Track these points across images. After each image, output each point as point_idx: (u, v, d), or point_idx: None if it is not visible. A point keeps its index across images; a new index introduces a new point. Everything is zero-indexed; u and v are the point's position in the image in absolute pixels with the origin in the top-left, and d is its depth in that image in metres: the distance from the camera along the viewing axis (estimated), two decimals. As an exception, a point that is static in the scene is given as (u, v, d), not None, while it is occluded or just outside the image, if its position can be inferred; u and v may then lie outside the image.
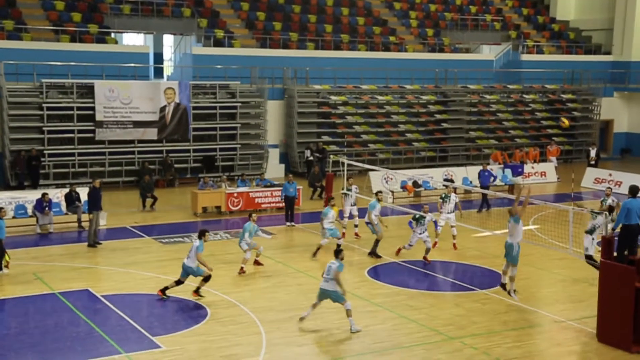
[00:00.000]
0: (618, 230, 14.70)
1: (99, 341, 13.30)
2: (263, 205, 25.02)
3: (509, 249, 15.92)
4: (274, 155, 32.07)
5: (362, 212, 20.79)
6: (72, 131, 28.34)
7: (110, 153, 28.87)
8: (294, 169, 31.75)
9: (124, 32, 35.98)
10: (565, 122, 25.16)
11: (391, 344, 13.42)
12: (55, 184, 26.99)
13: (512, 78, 40.08)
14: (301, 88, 33.27)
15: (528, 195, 16.01)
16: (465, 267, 18.58)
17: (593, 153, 33.34)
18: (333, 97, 33.91)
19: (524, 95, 38.83)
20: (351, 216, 21.65)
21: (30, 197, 22.60)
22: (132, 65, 30.73)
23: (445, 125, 36.03)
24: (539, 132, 38.32)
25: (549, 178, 32.11)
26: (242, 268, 17.44)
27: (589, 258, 17.10)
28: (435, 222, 20.15)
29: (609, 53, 43.10)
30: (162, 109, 29.30)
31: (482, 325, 14.34)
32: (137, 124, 28.91)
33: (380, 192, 20.40)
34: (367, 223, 19.54)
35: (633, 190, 15.05)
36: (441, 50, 39.00)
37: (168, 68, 38.88)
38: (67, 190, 23.04)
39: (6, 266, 17.49)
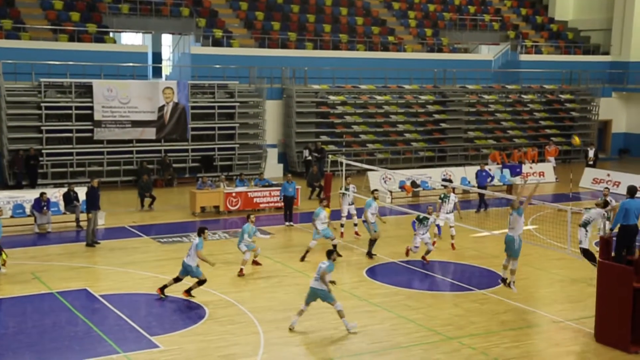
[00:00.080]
0: (616, 230, 14.72)
1: (97, 341, 13.29)
2: (261, 205, 25.02)
3: (510, 243, 16.02)
4: (272, 155, 32.07)
5: (360, 212, 20.76)
6: (70, 130, 28.32)
7: (109, 152, 28.85)
8: (293, 169, 31.75)
9: (123, 31, 35.96)
10: (577, 140, 25.41)
11: (389, 344, 13.42)
12: (53, 184, 26.98)
13: (510, 78, 40.10)
14: (300, 88, 33.26)
15: (533, 190, 16.16)
16: (464, 267, 18.58)
17: (591, 153, 33.35)
18: (332, 97, 33.91)
19: (523, 96, 38.85)
20: (349, 216, 21.65)
21: (28, 196, 22.59)
22: (131, 64, 30.72)
23: (443, 125, 36.05)
24: (537, 132, 38.35)
25: (547, 178, 32.11)
26: (241, 270, 17.39)
27: (584, 252, 17.08)
28: (438, 225, 20.10)
29: (607, 53, 43.14)
30: (161, 109, 29.29)
31: (480, 326, 14.35)
32: (136, 124, 28.90)
33: (376, 190, 20.36)
34: (363, 222, 19.56)
35: (631, 191, 15.07)
36: (440, 50, 39.01)
37: (166, 68, 38.87)
38: (65, 189, 23.02)
39: (3, 265, 17.48)
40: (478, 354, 13.01)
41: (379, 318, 14.73)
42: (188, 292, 15.57)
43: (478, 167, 26.92)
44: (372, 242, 19.18)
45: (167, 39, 40.11)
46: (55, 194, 22.91)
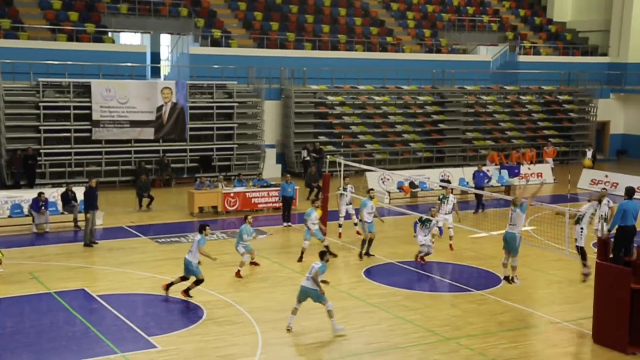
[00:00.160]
0: (614, 232, 14.73)
1: (94, 341, 13.28)
2: (260, 206, 25.02)
3: (512, 241, 16.10)
4: (270, 155, 32.06)
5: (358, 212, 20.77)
6: (68, 130, 28.30)
7: (107, 152, 28.84)
8: (291, 169, 31.74)
9: (121, 31, 35.94)
10: (587, 162, 25.71)
11: (387, 345, 13.42)
12: (51, 183, 26.96)
13: (509, 79, 40.13)
14: (298, 88, 33.27)
15: (537, 191, 16.28)
16: (462, 268, 18.59)
17: (589, 154, 33.40)
18: (330, 98, 33.92)
19: (521, 97, 38.88)
20: (348, 216, 21.65)
21: (26, 196, 22.58)
22: (129, 64, 30.71)
23: (442, 126, 36.06)
24: (535, 133, 38.38)
25: (546, 179, 32.12)
26: (238, 271, 17.31)
27: (580, 250, 17.01)
28: (440, 228, 20.04)
29: (605, 54, 43.19)
30: (159, 109, 29.27)
31: (478, 326, 14.35)
32: (134, 124, 28.89)
33: (372, 189, 20.30)
34: (360, 221, 19.53)
35: (629, 192, 15.09)
36: (438, 51, 39.03)
37: (165, 68, 38.86)
38: (63, 189, 23.01)
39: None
40: (476, 354, 13.01)
41: (377, 318, 14.73)
42: (186, 292, 15.56)
43: (475, 168, 26.92)
44: (364, 242, 19.13)
45: (165, 39, 40.10)
46: (54, 194, 22.90)
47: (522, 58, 41.18)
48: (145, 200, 25.16)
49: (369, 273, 17.92)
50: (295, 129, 32.75)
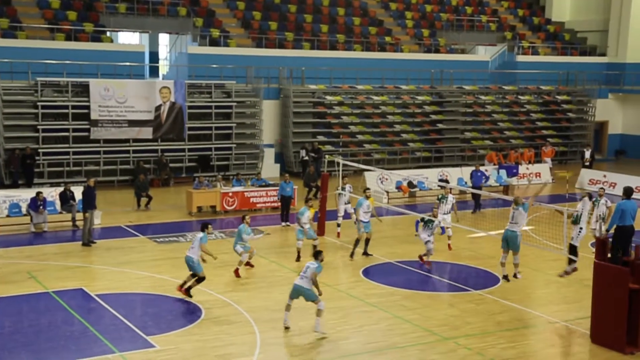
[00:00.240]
0: (612, 231, 14.73)
1: (92, 340, 13.27)
2: (258, 205, 25.02)
3: (514, 239, 16.17)
4: (269, 155, 32.05)
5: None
6: (66, 130, 28.29)
7: (105, 152, 28.82)
8: (290, 169, 31.74)
9: (120, 30, 35.87)
10: (564, 174, 26.01)
11: (386, 344, 13.42)
12: (49, 183, 26.94)
13: (507, 79, 40.15)
14: (297, 88, 33.26)
15: (540, 191, 16.29)
16: (460, 268, 18.59)
17: (588, 154, 33.42)
18: (329, 97, 33.91)
19: (519, 96, 38.90)
20: (347, 215, 21.64)
21: (24, 195, 22.56)
22: (128, 64, 30.69)
23: (440, 125, 36.07)
24: (533, 133, 38.40)
25: (544, 179, 32.15)
26: (237, 270, 17.26)
27: (572, 249, 16.93)
28: (443, 228, 19.99)
29: (604, 54, 43.21)
30: (158, 108, 29.26)
31: (476, 326, 14.36)
32: (132, 123, 28.87)
33: (368, 189, 20.24)
34: (356, 221, 19.48)
35: (627, 192, 15.08)
36: (437, 51, 39.03)
37: (163, 67, 38.81)
38: (61, 189, 22.96)
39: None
40: (474, 354, 13.02)
41: (375, 318, 14.73)
42: (187, 291, 15.47)
43: (473, 168, 26.91)
44: (357, 241, 19.09)
45: (164, 39, 40.05)
46: (52, 193, 22.88)
47: (521, 58, 41.18)
48: (144, 200, 25.15)
49: (367, 273, 17.92)
50: (294, 128, 32.75)
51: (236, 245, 17.51)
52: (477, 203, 25.33)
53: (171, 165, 29.79)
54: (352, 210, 21.50)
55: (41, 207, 21.72)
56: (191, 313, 14.81)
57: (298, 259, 18.58)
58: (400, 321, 14.55)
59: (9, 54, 28.50)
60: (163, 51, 40.81)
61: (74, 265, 18.24)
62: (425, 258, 18.60)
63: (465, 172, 29.43)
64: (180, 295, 15.52)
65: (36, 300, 15.51)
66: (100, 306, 15.13)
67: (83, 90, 28.43)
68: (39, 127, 27.92)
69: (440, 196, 20.26)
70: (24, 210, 22.06)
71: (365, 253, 19.23)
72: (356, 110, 34.38)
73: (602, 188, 20.80)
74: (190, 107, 30.16)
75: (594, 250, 15.14)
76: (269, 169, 31.31)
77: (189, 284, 15.55)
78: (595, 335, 13.65)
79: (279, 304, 15.15)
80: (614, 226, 14.64)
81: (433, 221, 18.39)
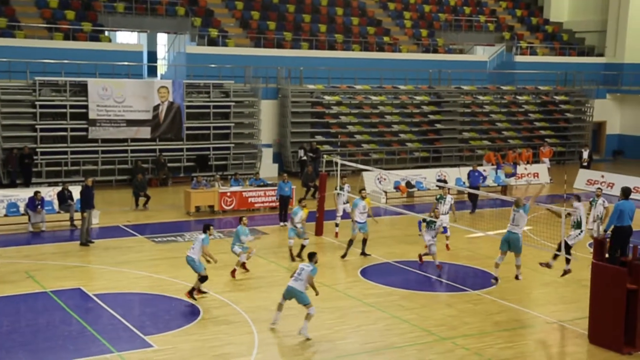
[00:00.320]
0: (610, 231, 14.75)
1: (90, 340, 13.27)
2: (256, 205, 25.02)
3: (516, 241, 16.12)
4: (267, 154, 32.05)
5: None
6: (65, 129, 28.27)
7: (103, 151, 28.80)
8: (288, 169, 31.74)
9: (118, 30, 35.89)
10: (507, 169, 26.06)
11: (383, 344, 13.43)
12: (47, 182, 26.91)
13: (505, 79, 40.17)
14: (295, 88, 33.26)
15: (539, 192, 16.25)
16: (458, 268, 18.60)
17: (586, 154, 33.44)
18: (327, 97, 33.92)
19: (517, 97, 38.93)
20: (345, 215, 21.62)
21: (22, 195, 22.54)
22: (126, 63, 30.68)
23: (438, 125, 36.09)
24: (531, 134, 38.43)
25: (542, 179, 32.18)
26: (234, 270, 17.17)
27: (567, 247, 16.86)
28: (445, 228, 19.89)
29: (602, 55, 43.26)
30: (156, 108, 29.25)
31: (474, 326, 14.37)
32: (131, 123, 28.86)
33: (364, 189, 20.20)
34: (352, 221, 19.43)
35: (625, 192, 15.10)
36: (435, 51, 39.06)
37: (162, 67, 38.81)
38: (59, 188, 22.96)
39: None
40: (472, 354, 13.03)
41: (373, 318, 14.74)
42: (190, 293, 15.35)
43: (470, 168, 26.90)
44: (350, 242, 19.03)
45: (162, 38, 40.05)
46: (50, 193, 22.87)
47: (519, 58, 41.22)
48: (142, 200, 25.14)
49: (365, 273, 17.93)
50: (292, 128, 32.75)
51: (234, 246, 17.45)
52: (474, 203, 25.32)
53: (169, 165, 29.78)
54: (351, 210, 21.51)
55: (39, 207, 21.70)
56: (189, 313, 14.81)
57: (293, 259, 18.55)
58: (398, 321, 14.56)
59: (7, 53, 28.48)
60: (161, 51, 40.81)
61: (72, 265, 18.23)
62: (431, 258, 18.33)
63: (463, 172, 29.44)
64: (192, 301, 15.27)
65: (34, 300, 15.51)
66: (98, 306, 15.13)
67: (81, 89, 28.41)
68: (37, 126, 27.90)
69: (438, 196, 20.25)
70: (22, 209, 22.04)
71: (363, 253, 19.23)
72: (354, 110, 34.39)
73: (599, 188, 20.79)
74: (188, 107, 30.15)
75: (591, 250, 15.14)
76: (267, 168, 31.32)
77: (194, 286, 15.45)
78: (592, 335, 13.67)
79: (277, 304, 15.15)
80: (612, 226, 14.65)
81: (435, 222, 18.26)
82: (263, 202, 25.06)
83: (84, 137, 28.42)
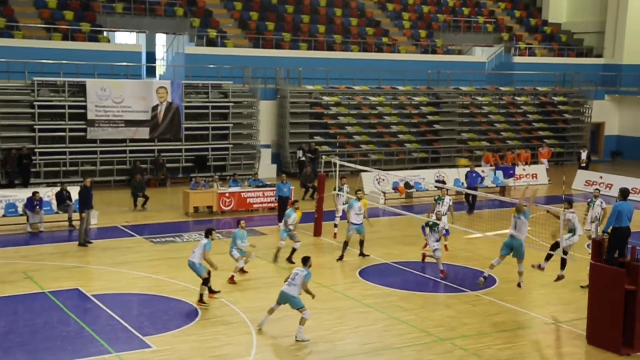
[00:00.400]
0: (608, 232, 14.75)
1: (89, 340, 13.26)
2: (255, 206, 25.01)
3: (519, 248, 15.91)
4: (266, 155, 32.05)
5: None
6: (63, 130, 28.25)
7: (102, 152, 28.79)
8: (286, 169, 31.73)
9: (117, 30, 35.90)
10: (463, 162, 26.07)
11: (382, 345, 13.43)
12: (46, 183, 26.90)
13: (504, 80, 40.20)
14: (294, 88, 33.26)
15: (533, 196, 16.18)
16: (456, 269, 18.59)
17: (584, 155, 33.47)
18: (325, 98, 33.92)
19: (516, 97, 38.96)
20: (345, 216, 21.57)
21: (20, 195, 22.52)
22: (125, 64, 30.67)
23: (437, 126, 36.11)
24: (530, 134, 38.45)
25: (540, 180, 32.21)
26: (232, 277, 16.96)
27: (563, 252, 16.80)
28: (447, 231, 19.82)
29: (600, 56, 43.30)
30: (154, 108, 29.25)
31: (472, 327, 14.37)
32: (129, 123, 28.85)
33: (360, 190, 20.14)
34: (347, 222, 19.38)
35: (624, 193, 15.11)
36: (434, 52, 39.08)
37: (160, 67, 38.82)
38: (58, 188, 22.96)
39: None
40: (470, 355, 13.03)
41: (372, 319, 14.74)
42: (201, 300, 15.17)
43: (468, 169, 26.90)
44: (345, 244, 18.98)
45: (161, 39, 40.05)
46: (48, 193, 22.85)
47: (517, 59, 41.26)
48: (140, 200, 25.12)
49: (363, 273, 17.92)
50: (291, 129, 32.75)
51: (232, 250, 17.29)
52: (472, 204, 25.34)
53: (168, 165, 29.77)
54: (350, 211, 21.49)
55: (37, 207, 21.69)
56: (188, 313, 14.80)
57: (276, 259, 18.42)
58: (397, 322, 14.56)
59: (5, 53, 28.47)
60: (160, 51, 40.81)
61: (70, 266, 18.22)
62: (432, 259, 18.25)
63: (461, 173, 29.43)
64: (205, 306, 15.11)
65: (32, 301, 15.49)
66: (96, 306, 15.11)
67: (80, 90, 28.40)
68: (35, 126, 27.88)
69: (436, 197, 20.24)
70: (20, 210, 22.02)
71: (361, 254, 19.21)
72: (353, 110, 34.39)
73: (597, 189, 20.77)
74: (187, 107, 30.15)
75: (589, 251, 15.14)
76: (266, 169, 31.31)
77: (200, 292, 15.39)
78: (591, 336, 13.68)
79: (276, 305, 15.18)
80: (610, 227, 14.65)
81: (438, 224, 18.06)
82: (262, 203, 25.06)
83: (82, 137, 28.41)
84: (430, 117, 36.07)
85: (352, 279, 17.48)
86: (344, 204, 21.54)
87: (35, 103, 27.85)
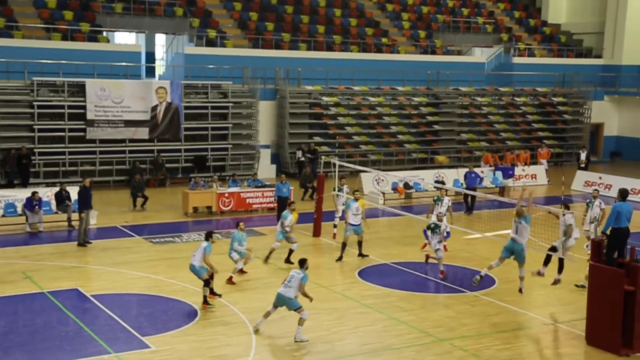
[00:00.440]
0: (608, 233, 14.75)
1: (88, 341, 13.25)
2: (254, 206, 25.01)
3: (521, 252, 15.78)
4: (265, 155, 32.06)
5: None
6: (62, 130, 28.24)
7: (101, 152, 28.79)
8: (286, 170, 31.73)
9: (116, 30, 35.90)
10: (441, 159, 26.03)
11: (381, 346, 13.43)
12: (45, 183, 26.90)
13: (503, 81, 40.21)
14: (293, 89, 33.27)
15: (531, 196, 16.11)
16: (456, 269, 18.59)
17: (583, 156, 33.49)
18: (325, 98, 33.92)
19: (515, 98, 38.98)
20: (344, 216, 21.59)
21: (20, 195, 22.51)
22: (124, 64, 30.67)
23: (436, 127, 36.12)
24: (529, 135, 38.46)
25: (540, 181, 32.23)
26: (230, 278, 16.91)
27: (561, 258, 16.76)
28: (448, 233, 19.75)
29: (599, 56, 43.31)
30: (154, 109, 29.25)
31: (471, 327, 14.38)
32: (129, 123, 28.84)
33: (357, 191, 20.08)
34: (345, 223, 19.35)
35: (623, 194, 15.11)
36: (433, 52, 39.09)
37: (160, 67, 38.82)
38: (57, 189, 22.96)
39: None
40: (469, 355, 13.03)
41: (371, 319, 14.74)
42: (205, 302, 15.13)
43: (467, 169, 26.92)
44: (344, 245, 18.96)
45: (160, 39, 40.06)
46: (47, 193, 22.84)
47: (517, 60, 41.28)
48: (140, 200, 25.12)
49: (363, 274, 17.92)
50: (290, 129, 32.76)
51: (231, 252, 17.27)
52: (472, 205, 25.34)
53: (167, 165, 29.77)
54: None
55: (37, 207, 21.68)
56: (187, 314, 14.79)
57: (267, 260, 18.23)
58: (396, 322, 14.56)
59: (5, 53, 28.46)
60: (159, 51, 40.82)
61: (69, 266, 18.22)
62: (435, 261, 18.21)
63: (461, 173, 29.44)
64: (209, 307, 15.03)
65: (31, 301, 15.48)
66: (95, 306, 15.11)
67: (79, 90, 28.40)
68: (34, 127, 27.88)
69: (435, 198, 20.23)
70: (19, 210, 22.02)
71: (360, 254, 19.20)
72: (352, 111, 34.40)
73: (595, 190, 20.77)
74: (186, 108, 30.14)
75: (589, 252, 15.14)
76: (265, 169, 31.31)
77: (204, 294, 15.36)
78: (590, 336, 13.68)
79: (275, 305, 15.17)
80: (610, 228, 14.66)
81: (440, 226, 17.98)
82: (261, 203, 25.06)
83: (81, 137, 28.40)
84: (429, 118, 36.09)
85: (351, 280, 17.48)
86: (343, 204, 21.54)
87: (35, 103, 27.85)
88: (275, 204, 23.83)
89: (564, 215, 16.53)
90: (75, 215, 21.46)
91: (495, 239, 19.25)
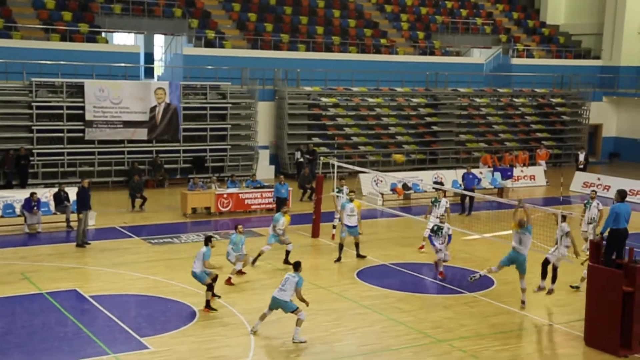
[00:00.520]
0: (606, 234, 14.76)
1: (86, 342, 13.25)
2: (253, 207, 25.01)
3: (523, 263, 15.52)
4: (264, 156, 32.05)
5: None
6: (61, 130, 28.22)
7: (100, 153, 28.77)
8: (284, 171, 31.73)
9: (115, 31, 35.87)
10: (398, 158, 26.11)
11: (380, 347, 13.43)
12: (44, 184, 26.88)
13: (502, 82, 40.24)
14: (292, 89, 33.27)
15: (527, 211, 15.85)
16: (454, 270, 18.58)
17: (582, 157, 33.52)
18: (324, 99, 33.93)
19: (514, 99, 39.00)
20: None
21: (18, 196, 22.49)
22: (123, 65, 30.65)
23: (435, 128, 36.13)
24: (528, 136, 38.49)
25: (538, 182, 32.25)
26: (229, 278, 16.85)
27: (554, 268, 16.69)
28: (450, 237, 19.65)
29: (598, 58, 43.35)
30: (153, 109, 29.23)
31: (470, 328, 14.38)
32: (127, 124, 28.83)
33: (353, 192, 20.02)
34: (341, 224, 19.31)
35: (621, 195, 15.12)
36: (432, 53, 39.11)
37: (159, 68, 38.81)
38: (55, 189, 22.95)
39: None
40: (468, 356, 13.04)
41: (370, 320, 14.74)
42: (208, 306, 15.09)
43: (465, 170, 26.92)
44: (341, 246, 18.93)
45: (159, 40, 40.05)
46: (46, 194, 22.82)
47: (516, 61, 41.31)
48: (138, 201, 25.11)
49: (361, 275, 17.92)
50: (289, 130, 32.75)
51: (229, 255, 17.18)
52: (470, 206, 25.35)
53: (166, 166, 29.75)
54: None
55: (35, 208, 21.66)
56: (185, 315, 14.79)
57: (254, 262, 18.07)
58: (395, 323, 14.56)
59: (3, 54, 28.44)
60: (158, 52, 40.81)
61: (68, 267, 18.21)
62: (438, 265, 18.14)
63: (459, 174, 29.45)
64: (213, 312, 14.95)
65: (30, 302, 15.47)
66: (94, 307, 15.10)
67: (78, 91, 28.38)
68: (33, 127, 27.86)
69: (433, 199, 20.23)
70: (17, 211, 22.00)
71: (358, 255, 19.19)
72: (351, 112, 34.41)
73: (593, 191, 20.79)
74: (185, 109, 30.13)
75: (587, 253, 15.15)
76: (264, 170, 31.31)
77: (207, 298, 15.34)
78: (589, 337, 13.69)
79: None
80: (608, 229, 14.67)
81: (442, 229, 17.89)
82: (260, 204, 25.06)
83: (80, 138, 28.38)
84: (428, 119, 36.10)
85: (349, 280, 17.48)
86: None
87: (33, 104, 27.83)
88: (274, 205, 23.83)
89: (563, 222, 16.41)
90: (73, 216, 21.44)
91: (494, 240, 19.27)
